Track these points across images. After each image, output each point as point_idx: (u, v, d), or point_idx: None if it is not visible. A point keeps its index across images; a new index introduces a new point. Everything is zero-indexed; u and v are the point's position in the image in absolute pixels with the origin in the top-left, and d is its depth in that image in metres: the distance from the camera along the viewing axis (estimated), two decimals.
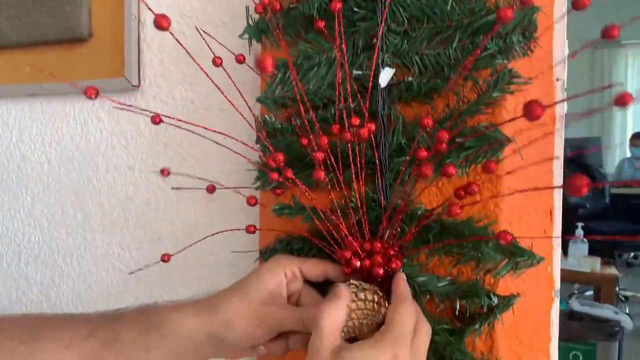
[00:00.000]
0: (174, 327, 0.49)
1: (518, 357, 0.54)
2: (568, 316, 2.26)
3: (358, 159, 0.53)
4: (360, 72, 0.54)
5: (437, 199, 0.53)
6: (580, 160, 4.17)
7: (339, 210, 0.53)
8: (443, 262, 0.54)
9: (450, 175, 0.44)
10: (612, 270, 2.83)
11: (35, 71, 0.78)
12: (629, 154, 5.50)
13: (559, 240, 0.58)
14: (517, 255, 0.50)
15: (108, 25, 0.75)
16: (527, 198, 0.54)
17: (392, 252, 0.51)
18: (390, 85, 0.54)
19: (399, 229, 0.52)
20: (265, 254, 0.60)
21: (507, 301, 0.51)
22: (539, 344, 0.56)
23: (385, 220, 0.52)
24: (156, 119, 0.59)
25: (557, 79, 0.56)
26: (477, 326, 0.52)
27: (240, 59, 0.58)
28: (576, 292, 3.58)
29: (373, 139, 0.53)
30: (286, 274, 0.51)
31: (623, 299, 3.76)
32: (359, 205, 0.53)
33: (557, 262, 0.58)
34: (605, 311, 2.30)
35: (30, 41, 0.77)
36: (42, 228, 0.81)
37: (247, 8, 0.61)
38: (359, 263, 0.52)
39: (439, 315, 0.53)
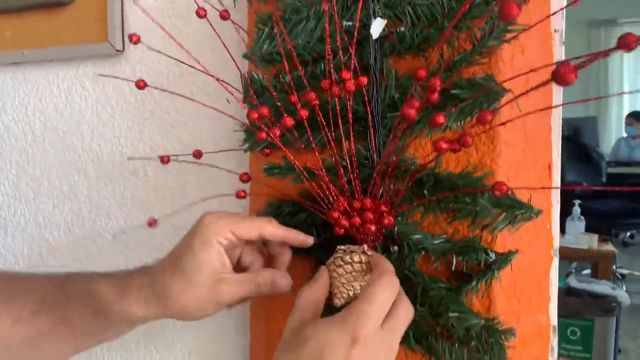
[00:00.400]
0: (121, 316, 0.49)
1: (517, 316, 0.52)
2: (566, 292, 2.26)
3: (349, 114, 0.51)
4: (350, 23, 0.52)
5: (433, 155, 0.51)
6: (577, 139, 4.16)
7: (324, 170, 0.51)
8: (438, 220, 0.52)
9: (439, 125, 0.42)
10: (609, 247, 2.83)
11: (16, 38, 0.75)
12: (624, 134, 5.49)
13: (558, 197, 0.56)
14: (515, 209, 0.49)
15: None
16: (525, 153, 0.53)
17: (384, 209, 0.50)
18: (382, 38, 0.52)
19: (392, 186, 0.50)
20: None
21: (505, 257, 0.50)
22: (538, 303, 0.54)
23: (377, 176, 0.50)
24: (140, 84, 0.57)
25: (554, 30, 0.54)
26: (474, 284, 0.50)
27: (224, 15, 0.56)
28: (574, 270, 3.58)
29: (365, 94, 0.51)
30: (220, 242, 0.48)
31: (620, 277, 3.77)
32: (349, 163, 0.51)
33: (556, 220, 0.56)
34: (602, 287, 2.30)
35: (9, 7, 0.75)
36: (28, 200, 0.79)
37: None
38: (347, 222, 0.50)
39: (434, 274, 0.51)
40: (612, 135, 6.06)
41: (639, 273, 4.08)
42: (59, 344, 0.50)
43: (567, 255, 2.81)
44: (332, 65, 0.51)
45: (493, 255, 0.49)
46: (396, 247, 0.52)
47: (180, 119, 0.70)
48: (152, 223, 0.63)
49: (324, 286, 0.47)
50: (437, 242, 0.51)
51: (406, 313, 0.44)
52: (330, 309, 0.53)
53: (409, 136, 0.50)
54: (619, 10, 5.87)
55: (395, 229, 0.51)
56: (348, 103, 0.50)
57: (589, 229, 3.15)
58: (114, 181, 0.74)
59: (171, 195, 0.71)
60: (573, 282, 2.37)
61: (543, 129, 0.54)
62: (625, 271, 4.03)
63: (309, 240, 0.51)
